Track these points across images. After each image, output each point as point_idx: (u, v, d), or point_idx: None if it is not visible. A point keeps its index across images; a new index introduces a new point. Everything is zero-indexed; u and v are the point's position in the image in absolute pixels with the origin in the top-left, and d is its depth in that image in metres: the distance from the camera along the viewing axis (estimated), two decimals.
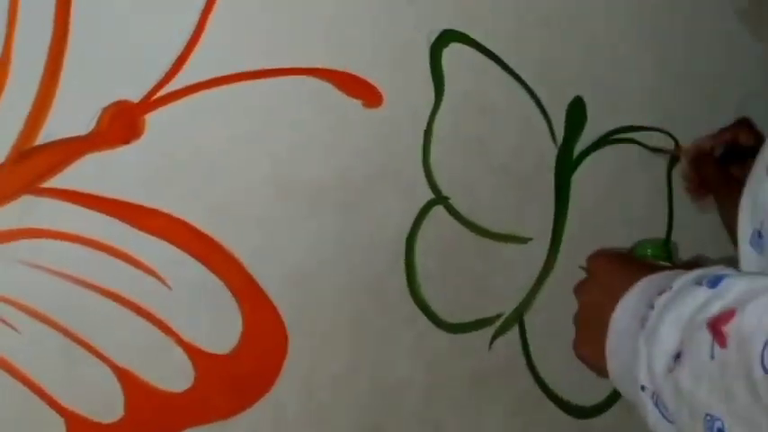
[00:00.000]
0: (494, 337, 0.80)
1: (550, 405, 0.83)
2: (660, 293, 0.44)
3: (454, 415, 0.79)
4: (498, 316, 0.80)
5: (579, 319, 0.53)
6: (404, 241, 0.74)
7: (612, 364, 0.47)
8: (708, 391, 0.38)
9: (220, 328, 0.65)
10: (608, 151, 0.86)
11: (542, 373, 0.82)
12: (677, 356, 0.40)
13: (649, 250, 0.61)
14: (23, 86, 0.56)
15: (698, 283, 0.42)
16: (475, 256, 0.78)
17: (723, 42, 0.90)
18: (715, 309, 0.39)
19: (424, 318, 0.76)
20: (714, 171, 0.84)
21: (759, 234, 0.45)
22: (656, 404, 0.42)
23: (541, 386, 0.83)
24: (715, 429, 0.38)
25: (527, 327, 0.81)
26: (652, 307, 0.43)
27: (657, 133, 0.88)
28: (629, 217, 0.86)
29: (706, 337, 0.38)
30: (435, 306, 0.77)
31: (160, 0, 0.61)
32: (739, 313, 0.37)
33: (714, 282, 0.41)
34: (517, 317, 0.81)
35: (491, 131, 0.78)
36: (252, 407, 0.67)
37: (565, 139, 0.83)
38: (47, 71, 0.56)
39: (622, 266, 0.51)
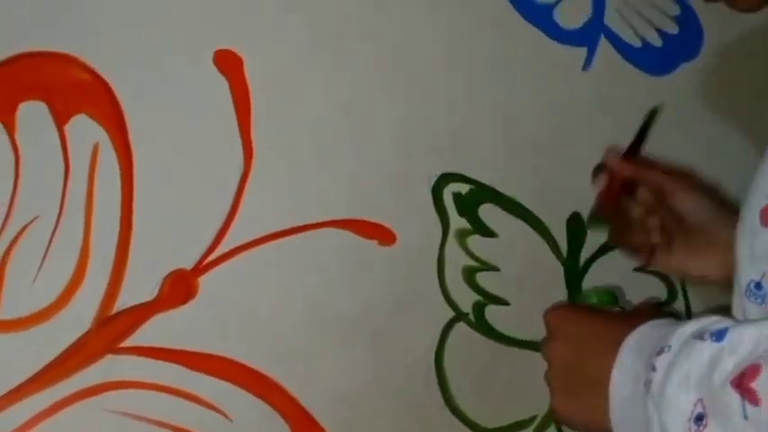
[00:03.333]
0: None
1: None
2: (658, 353, 0.42)
3: None
4: (533, 417, 0.87)
5: (554, 378, 0.52)
6: (433, 359, 0.84)
7: None
8: None
9: None
10: (613, 255, 0.95)
11: None
12: (698, 419, 0.38)
13: (595, 298, 0.60)
14: (101, 268, 0.71)
15: (698, 337, 0.41)
16: (502, 363, 0.87)
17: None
18: (729, 365, 0.37)
19: (463, 426, 0.84)
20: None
21: (758, 285, 0.44)
22: None
23: None
24: None
25: (564, 425, 0.88)
26: (653, 368, 0.42)
27: None
28: None
29: (733, 396, 0.36)
30: (472, 415, 0.85)
31: (202, 183, 0.76)
32: (766, 367, 0.35)
33: (719, 335, 0.39)
34: (552, 416, 0.88)
35: (499, 255, 0.89)
36: None
37: (569, 250, 0.93)
38: (118, 255, 0.71)
39: (588, 319, 0.52)
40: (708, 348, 0.39)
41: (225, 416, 0.74)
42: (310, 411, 0.78)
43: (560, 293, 0.90)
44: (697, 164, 0.96)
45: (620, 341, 0.47)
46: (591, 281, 0.92)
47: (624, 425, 0.45)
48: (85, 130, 0.73)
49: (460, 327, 0.86)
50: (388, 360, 0.82)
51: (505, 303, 0.88)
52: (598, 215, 0.81)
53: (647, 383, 0.42)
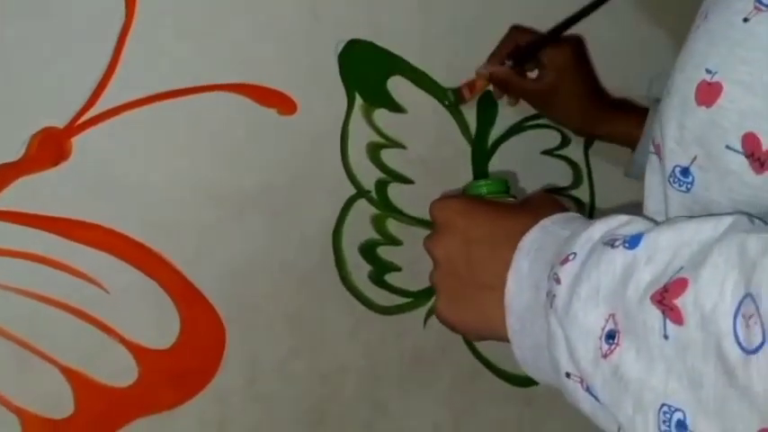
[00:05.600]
0: (427, 316, 0.85)
1: (491, 376, 0.89)
2: (562, 262, 0.38)
3: (396, 394, 0.84)
4: (429, 297, 0.86)
5: (440, 279, 0.47)
6: (331, 235, 0.81)
7: (520, 347, 0.42)
8: (664, 377, 0.32)
9: (159, 327, 0.71)
10: (522, 138, 0.92)
11: (479, 346, 0.88)
12: (609, 337, 0.34)
13: (484, 188, 0.54)
14: None
15: (608, 243, 0.36)
16: (402, 242, 0.84)
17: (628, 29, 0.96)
18: (645, 276, 0.33)
19: (359, 304, 0.82)
20: (523, 82, 0.80)
21: (685, 171, 0.39)
22: (588, 390, 0.36)
23: (480, 359, 0.88)
24: (674, 422, 0.31)
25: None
26: (557, 280, 0.37)
27: None
28: None
29: (653, 312, 0.32)
30: (368, 292, 0.83)
31: (77, 33, 0.67)
32: (693, 283, 0.31)
33: (632, 241, 0.35)
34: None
35: (405, 132, 0.84)
36: (196, 396, 0.73)
37: (478, 131, 0.89)
38: None
39: (480, 212, 0.46)
40: (620, 256, 0.35)
41: (101, 287, 0.69)
42: (198, 287, 0.73)
43: (466, 173, 0.87)
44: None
45: (515, 239, 0.42)
46: (497, 162, 0.90)
47: (523, 336, 0.41)
48: None
49: (361, 204, 0.82)
50: (283, 236, 0.78)
51: (410, 182, 0.84)
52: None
53: (550, 296, 0.38)
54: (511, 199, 0.52)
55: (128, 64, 0.69)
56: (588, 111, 0.80)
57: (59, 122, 0.67)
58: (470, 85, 0.83)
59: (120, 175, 0.70)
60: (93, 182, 0.68)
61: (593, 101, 0.81)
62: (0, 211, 0.65)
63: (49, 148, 0.66)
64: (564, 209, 0.45)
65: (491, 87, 0.83)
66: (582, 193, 0.95)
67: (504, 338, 0.43)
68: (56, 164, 0.67)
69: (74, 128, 0.67)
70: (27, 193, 0.66)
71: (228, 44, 0.74)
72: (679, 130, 0.39)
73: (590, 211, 0.97)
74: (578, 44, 0.80)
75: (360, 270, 0.82)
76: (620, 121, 0.80)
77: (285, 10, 0.76)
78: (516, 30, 0.80)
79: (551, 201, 0.46)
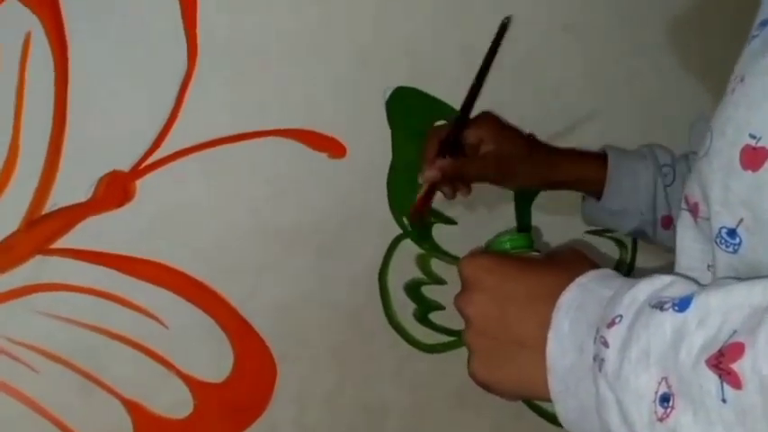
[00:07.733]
0: None
1: (533, 416, 0.90)
2: (609, 325, 0.38)
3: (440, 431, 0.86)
4: None
5: (473, 338, 0.45)
6: (377, 274, 0.84)
7: (564, 408, 0.41)
8: None
9: (214, 360, 0.75)
10: None
11: None
12: (664, 400, 0.34)
13: (508, 244, 0.53)
14: (31, 166, 0.67)
15: (657, 306, 0.36)
16: (446, 279, 0.86)
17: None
18: (697, 340, 0.33)
19: (403, 342, 0.84)
20: (472, 163, 0.75)
21: (731, 232, 0.39)
22: None
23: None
24: None
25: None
26: (605, 343, 0.37)
27: None
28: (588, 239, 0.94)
29: (709, 377, 0.32)
30: (413, 330, 0.85)
31: (142, 83, 0.72)
32: (750, 348, 0.31)
33: (682, 304, 0.35)
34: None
35: None
36: (249, 428, 0.75)
37: None
38: (49, 152, 0.68)
39: (512, 269, 0.45)
40: (669, 319, 0.35)
41: (160, 323, 0.72)
42: (250, 322, 0.77)
43: (509, 214, 0.90)
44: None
45: (551, 297, 0.41)
46: (540, 203, 0.92)
47: (567, 397, 0.40)
48: (17, 16, 0.68)
49: (406, 244, 0.85)
50: (332, 274, 0.81)
51: (453, 223, 0.87)
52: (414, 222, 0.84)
53: (598, 360, 0.37)
54: (535, 254, 0.52)
55: (189, 111, 0.73)
56: (539, 160, 0.77)
57: (125, 166, 0.71)
58: (419, 201, 0.75)
59: (180, 216, 0.74)
60: (155, 222, 0.72)
61: (537, 149, 0.78)
62: (68, 249, 0.69)
63: (115, 190, 0.70)
64: (595, 265, 0.45)
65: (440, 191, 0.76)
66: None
67: (543, 398, 0.42)
68: (121, 205, 0.71)
69: (138, 171, 0.72)
70: (93, 231, 0.70)
71: (282, 91, 0.78)
72: (724, 192, 0.39)
73: (632, 254, 0.98)
74: (487, 114, 0.78)
75: (405, 308, 0.84)
76: (576, 167, 0.77)
77: (335, 59, 0.80)
78: (433, 131, 0.76)
79: (581, 256, 0.46)
